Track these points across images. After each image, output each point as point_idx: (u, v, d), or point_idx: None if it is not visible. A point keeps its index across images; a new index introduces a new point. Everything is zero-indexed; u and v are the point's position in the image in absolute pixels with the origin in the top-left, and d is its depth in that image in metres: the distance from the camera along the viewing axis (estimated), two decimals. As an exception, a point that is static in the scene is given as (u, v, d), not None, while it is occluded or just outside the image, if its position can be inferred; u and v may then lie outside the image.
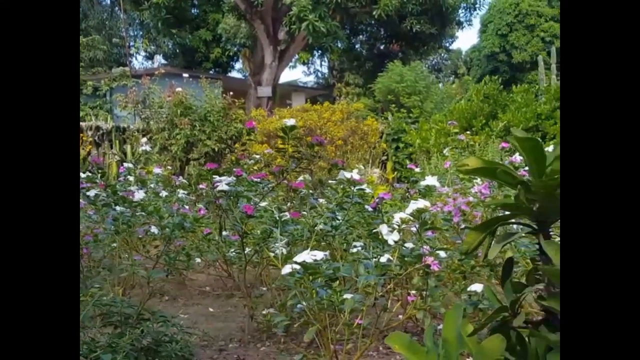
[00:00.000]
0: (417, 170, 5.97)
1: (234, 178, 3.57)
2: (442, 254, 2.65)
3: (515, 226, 1.83)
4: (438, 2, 20.65)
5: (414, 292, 2.90)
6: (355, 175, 3.10)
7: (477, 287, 2.68)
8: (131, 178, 5.20)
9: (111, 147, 12.25)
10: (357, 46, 28.04)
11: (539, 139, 1.58)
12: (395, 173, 11.48)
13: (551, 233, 1.80)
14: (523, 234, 1.75)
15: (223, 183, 3.30)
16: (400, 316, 3.27)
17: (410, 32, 22.68)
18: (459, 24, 25.38)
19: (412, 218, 2.53)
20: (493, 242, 1.67)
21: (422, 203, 2.50)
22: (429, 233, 3.14)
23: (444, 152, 7.45)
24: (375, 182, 8.56)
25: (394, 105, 14.64)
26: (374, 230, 2.72)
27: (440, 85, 26.95)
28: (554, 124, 10.99)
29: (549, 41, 31.48)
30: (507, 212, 1.68)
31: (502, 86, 13.19)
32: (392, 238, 2.49)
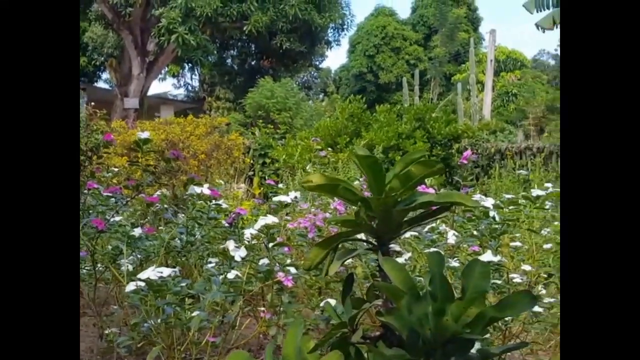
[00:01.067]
0: (280, 186, 6.00)
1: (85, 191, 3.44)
2: (293, 269, 2.66)
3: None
4: (307, 22, 20.93)
5: (264, 309, 2.89)
6: (205, 190, 3.06)
7: (329, 302, 2.70)
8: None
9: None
10: (228, 61, 27.95)
11: (377, 156, 1.62)
12: (262, 188, 11.49)
13: (390, 249, 1.85)
14: (363, 251, 1.79)
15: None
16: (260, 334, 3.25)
17: (281, 49, 22.86)
18: (328, 44, 25.85)
19: (261, 234, 2.53)
20: (334, 258, 1.69)
21: (270, 219, 2.51)
22: (286, 249, 3.15)
23: (307, 168, 7.55)
24: (241, 197, 8.52)
25: (261, 121, 14.71)
26: (221, 247, 2.70)
27: (310, 102, 27.34)
28: (414, 143, 11.41)
29: (413, 64, 32.78)
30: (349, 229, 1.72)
31: (366, 105, 13.56)
32: (238, 254, 2.47)
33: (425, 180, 6.97)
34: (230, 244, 2.53)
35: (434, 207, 1.75)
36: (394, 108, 13.42)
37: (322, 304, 2.80)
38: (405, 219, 1.74)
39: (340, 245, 1.73)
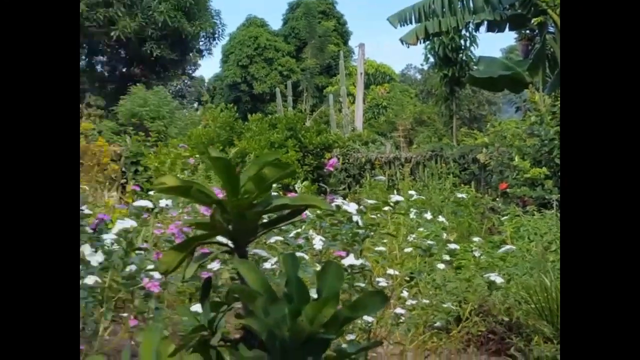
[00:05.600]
0: (151, 193, 5.89)
1: None
2: (157, 275, 2.62)
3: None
4: (177, 29, 20.69)
5: (129, 315, 2.83)
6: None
7: (198, 307, 2.68)
8: None
9: None
10: (97, 67, 27.09)
11: (228, 158, 1.63)
12: (135, 196, 11.20)
13: (255, 254, 1.86)
14: (223, 254, 1.80)
15: None
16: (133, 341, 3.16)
17: (151, 56, 22.44)
18: (200, 52, 25.65)
19: (120, 238, 2.49)
20: (191, 262, 1.68)
21: (128, 223, 2.47)
22: (155, 255, 3.10)
23: (178, 176, 7.45)
24: (113, 205, 8.28)
25: (132, 128, 14.33)
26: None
27: (185, 111, 26.95)
28: (286, 152, 11.53)
29: (286, 75, 32.99)
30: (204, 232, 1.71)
31: (239, 114, 13.57)
32: (95, 259, 2.41)
33: (297, 188, 6.97)
34: (86, 249, 2.46)
35: (290, 210, 1.77)
36: (267, 117, 13.50)
37: (191, 309, 2.78)
38: (262, 221, 1.75)
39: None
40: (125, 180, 12.06)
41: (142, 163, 12.14)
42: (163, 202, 3.85)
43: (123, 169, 12.13)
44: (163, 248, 3.69)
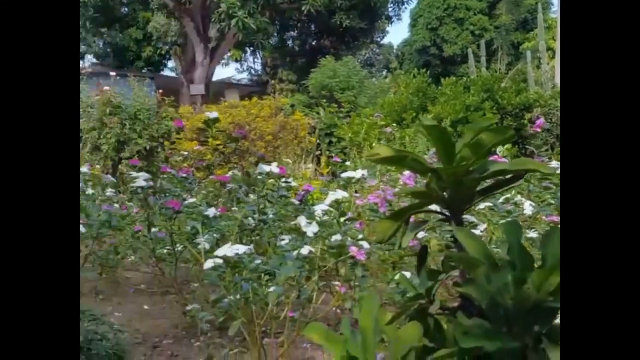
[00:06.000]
0: (348, 163, 6.02)
1: (161, 175, 3.55)
2: (365, 244, 2.66)
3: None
4: (366, -3, 20.84)
5: (339, 283, 2.91)
6: (274, 168, 3.10)
7: (404, 274, 2.71)
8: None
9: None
10: (288, 42, 27.99)
11: (444, 126, 1.60)
12: (330, 167, 11.53)
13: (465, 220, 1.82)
14: (436, 222, 1.78)
15: (141, 179, 3.27)
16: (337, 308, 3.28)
17: (341, 27, 22.80)
18: (389, 19, 25.62)
19: (331, 209, 2.55)
20: (406, 231, 1.68)
21: (340, 194, 2.52)
22: (357, 225, 3.16)
23: (374, 145, 7.53)
24: (310, 176, 8.58)
25: (324, 100, 14.65)
26: (292, 223, 2.72)
27: (374, 80, 27.16)
28: (483, 115, 11.20)
29: (478, 34, 32.02)
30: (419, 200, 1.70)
31: (430, 79, 13.39)
32: (310, 230, 2.49)
33: (498, 152, 6.82)
34: (302, 220, 2.56)
35: (507, 176, 1.72)
36: (461, 80, 13.19)
37: (396, 278, 2.81)
38: (478, 188, 1.71)
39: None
40: (319, 152, 12.41)
41: (336, 134, 12.42)
42: (359, 173, 3.92)
43: (317, 141, 12.47)
44: (366, 217, 3.76)
